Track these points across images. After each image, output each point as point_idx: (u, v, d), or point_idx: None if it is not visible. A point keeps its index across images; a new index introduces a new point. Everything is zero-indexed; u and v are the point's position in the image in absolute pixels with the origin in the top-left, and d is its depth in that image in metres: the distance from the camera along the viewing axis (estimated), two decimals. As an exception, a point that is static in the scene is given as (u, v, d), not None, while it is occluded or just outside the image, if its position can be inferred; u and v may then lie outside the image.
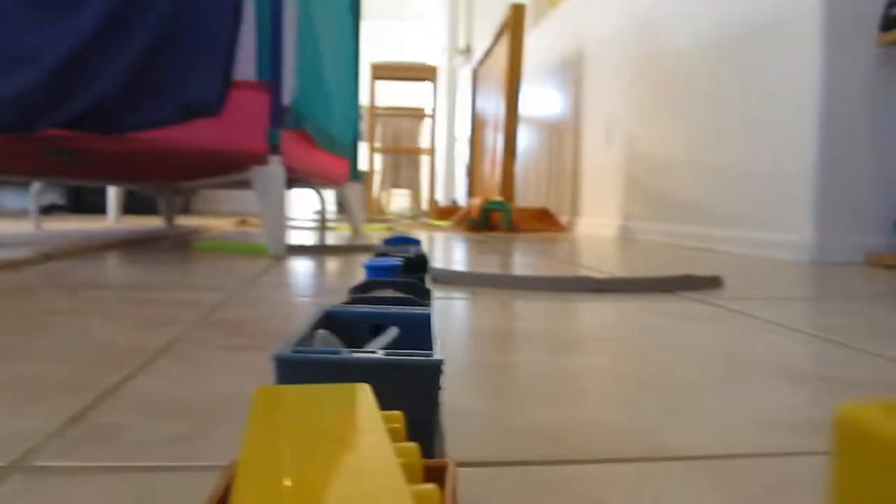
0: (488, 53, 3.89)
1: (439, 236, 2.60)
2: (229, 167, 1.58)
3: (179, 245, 1.80)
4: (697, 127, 2.22)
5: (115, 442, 0.37)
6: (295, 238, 2.26)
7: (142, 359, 0.55)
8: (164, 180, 1.92)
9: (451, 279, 1.07)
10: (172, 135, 1.44)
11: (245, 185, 1.64)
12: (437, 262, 1.48)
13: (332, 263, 1.39)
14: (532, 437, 0.39)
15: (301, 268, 1.29)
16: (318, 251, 1.65)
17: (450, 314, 0.80)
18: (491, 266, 1.41)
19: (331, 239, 2.26)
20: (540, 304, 0.89)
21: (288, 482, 0.14)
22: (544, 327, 0.72)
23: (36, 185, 2.24)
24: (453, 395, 0.47)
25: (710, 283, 1.07)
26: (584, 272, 1.31)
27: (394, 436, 0.19)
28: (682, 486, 0.33)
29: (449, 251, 1.83)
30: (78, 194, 4.22)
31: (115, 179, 2.01)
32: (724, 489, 0.33)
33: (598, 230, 3.05)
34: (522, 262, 1.54)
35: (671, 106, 2.40)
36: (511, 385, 0.50)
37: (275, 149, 1.47)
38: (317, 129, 1.81)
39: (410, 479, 0.17)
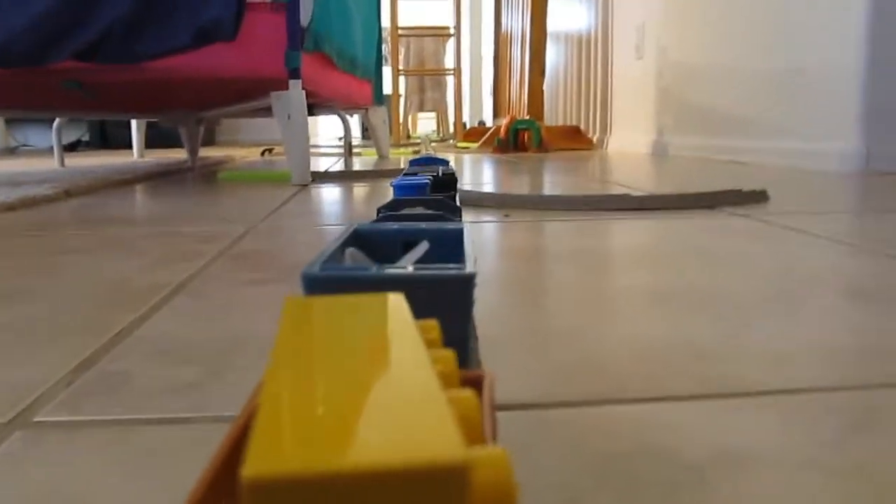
0: (512, -35, 3.73)
1: (468, 158, 2.54)
2: (248, 93, 1.53)
3: (203, 177, 1.77)
4: (732, 32, 2.11)
5: (124, 391, 0.34)
6: (319, 164, 2.22)
7: (157, 297, 0.52)
8: (182, 110, 1.88)
9: (481, 201, 1.03)
10: (187, 62, 1.39)
11: (267, 112, 1.60)
12: (466, 184, 1.43)
13: (358, 189, 1.35)
14: (574, 369, 0.36)
15: (325, 195, 1.25)
16: (343, 177, 1.61)
17: (481, 237, 0.76)
18: (522, 186, 1.36)
19: (356, 164, 2.22)
20: (576, 224, 0.85)
21: (318, 389, 0.14)
22: (581, 247, 0.68)
23: (58, 122, 2.21)
24: (484, 321, 0.43)
25: (756, 197, 1.02)
26: (620, 190, 1.26)
27: (429, 345, 0.19)
28: (752, 427, 0.29)
29: (478, 172, 1.78)
30: (103, 129, 4.20)
31: (132, 111, 1.97)
32: (802, 429, 0.29)
33: (631, 147, 2.96)
34: (554, 181, 1.48)
35: (704, 11, 2.28)
36: (548, 309, 0.46)
37: (294, 72, 1.42)
38: (337, 50, 1.75)
39: (447, 386, 0.17)
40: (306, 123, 1.44)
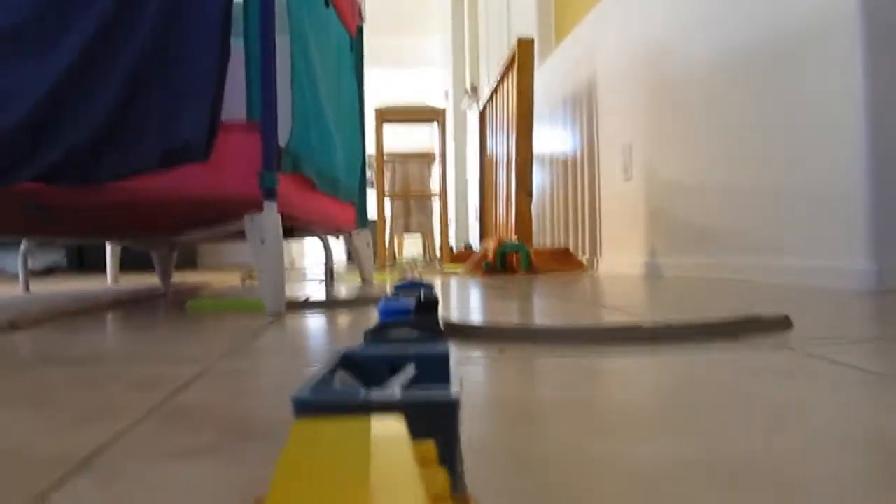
0: (496, 91, 3.78)
1: (455, 282, 2.44)
2: (220, 216, 1.44)
3: (174, 305, 1.66)
4: (725, 150, 2.07)
5: None
6: (302, 290, 2.11)
7: (53, 476, 0.39)
8: (151, 233, 1.78)
9: (471, 333, 0.91)
10: (156, 183, 1.31)
11: (243, 235, 1.50)
12: (453, 312, 1.32)
13: (337, 319, 1.24)
14: None
15: (299, 326, 1.13)
16: (321, 306, 1.50)
17: (471, 380, 0.64)
18: (515, 314, 1.25)
19: (338, 290, 2.11)
20: (581, 361, 0.73)
21: None
22: (593, 395, 0.56)
23: (24, 246, 2.10)
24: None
25: (780, 324, 0.91)
26: (620, 316, 1.15)
27: (424, 465, 0.20)
28: None
29: (466, 299, 1.68)
30: (80, 253, 4.10)
31: (98, 235, 1.87)
32: None
33: (622, 268, 2.89)
34: (549, 307, 1.38)
35: (694, 130, 2.26)
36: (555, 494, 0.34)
37: (269, 193, 1.33)
38: (318, 172, 1.67)
39: (437, 501, 0.19)
40: (281, 248, 1.34)
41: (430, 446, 0.21)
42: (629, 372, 0.67)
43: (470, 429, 0.47)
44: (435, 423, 0.26)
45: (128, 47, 1.31)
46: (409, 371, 0.35)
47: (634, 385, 0.61)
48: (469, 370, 0.70)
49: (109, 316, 1.40)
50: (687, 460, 0.39)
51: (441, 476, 0.20)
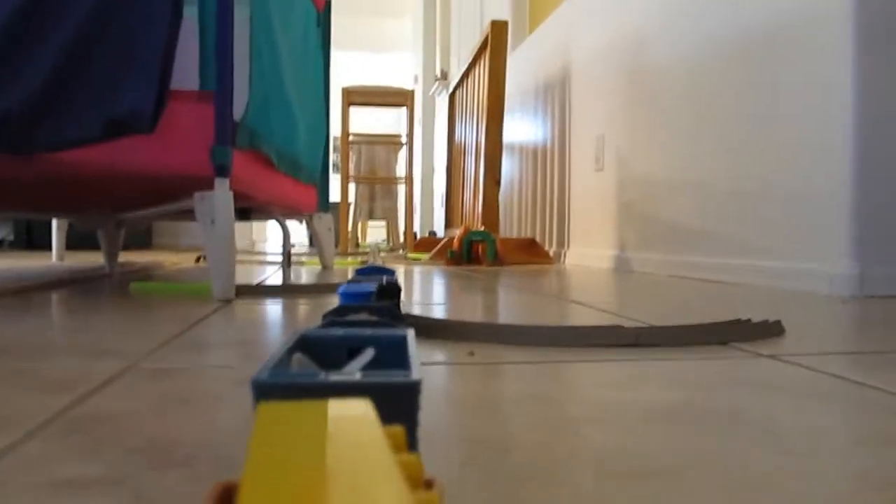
0: (466, 76, 3.69)
1: (418, 270, 2.36)
2: (168, 194, 1.33)
3: (118, 286, 1.55)
4: (702, 145, 2.00)
5: None
6: (259, 274, 2.01)
7: None
8: (94, 210, 1.67)
9: (436, 331, 0.83)
10: (98, 156, 1.20)
11: (193, 215, 1.40)
12: (416, 304, 1.24)
13: (291, 307, 1.14)
14: None
15: (249, 315, 1.04)
16: (275, 292, 1.40)
17: (438, 395, 0.55)
18: (482, 308, 1.17)
19: (297, 275, 2.01)
20: (562, 368, 0.65)
21: (291, 493, 0.14)
22: (589, 413, 0.48)
23: (-40, 219, 1.97)
24: None
25: (771, 329, 0.84)
26: (601, 317, 1.07)
27: (396, 449, 0.20)
28: None
29: (429, 289, 1.59)
30: (28, 229, 3.93)
31: (32, 210, 1.75)
32: None
33: (590, 261, 2.82)
34: (519, 302, 1.30)
35: (671, 124, 2.19)
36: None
37: (222, 170, 1.23)
38: (277, 150, 1.57)
39: (413, 488, 0.19)
40: (232, 230, 1.24)
41: (399, 431, 0.21)
42: (621, 382, 0.59)
43: (443, 458, 0.38)
44: (396, 406, 0.26)
45: (69, 6, 1.19)
46: (368, 354, 0.34)
47: (619, 396, 0.53)
48: (434, 376, 0.61)
49: (43, 297, 1.29)
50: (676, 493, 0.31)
51: (414, 461, 0.20)
